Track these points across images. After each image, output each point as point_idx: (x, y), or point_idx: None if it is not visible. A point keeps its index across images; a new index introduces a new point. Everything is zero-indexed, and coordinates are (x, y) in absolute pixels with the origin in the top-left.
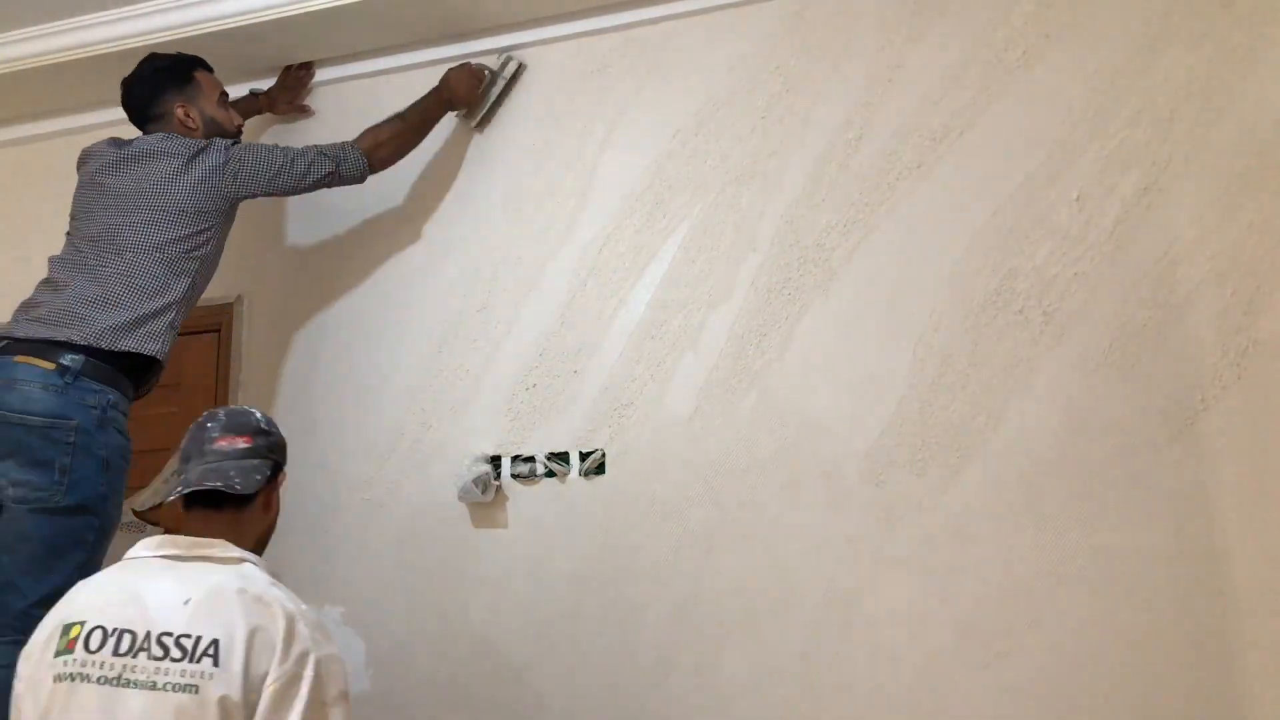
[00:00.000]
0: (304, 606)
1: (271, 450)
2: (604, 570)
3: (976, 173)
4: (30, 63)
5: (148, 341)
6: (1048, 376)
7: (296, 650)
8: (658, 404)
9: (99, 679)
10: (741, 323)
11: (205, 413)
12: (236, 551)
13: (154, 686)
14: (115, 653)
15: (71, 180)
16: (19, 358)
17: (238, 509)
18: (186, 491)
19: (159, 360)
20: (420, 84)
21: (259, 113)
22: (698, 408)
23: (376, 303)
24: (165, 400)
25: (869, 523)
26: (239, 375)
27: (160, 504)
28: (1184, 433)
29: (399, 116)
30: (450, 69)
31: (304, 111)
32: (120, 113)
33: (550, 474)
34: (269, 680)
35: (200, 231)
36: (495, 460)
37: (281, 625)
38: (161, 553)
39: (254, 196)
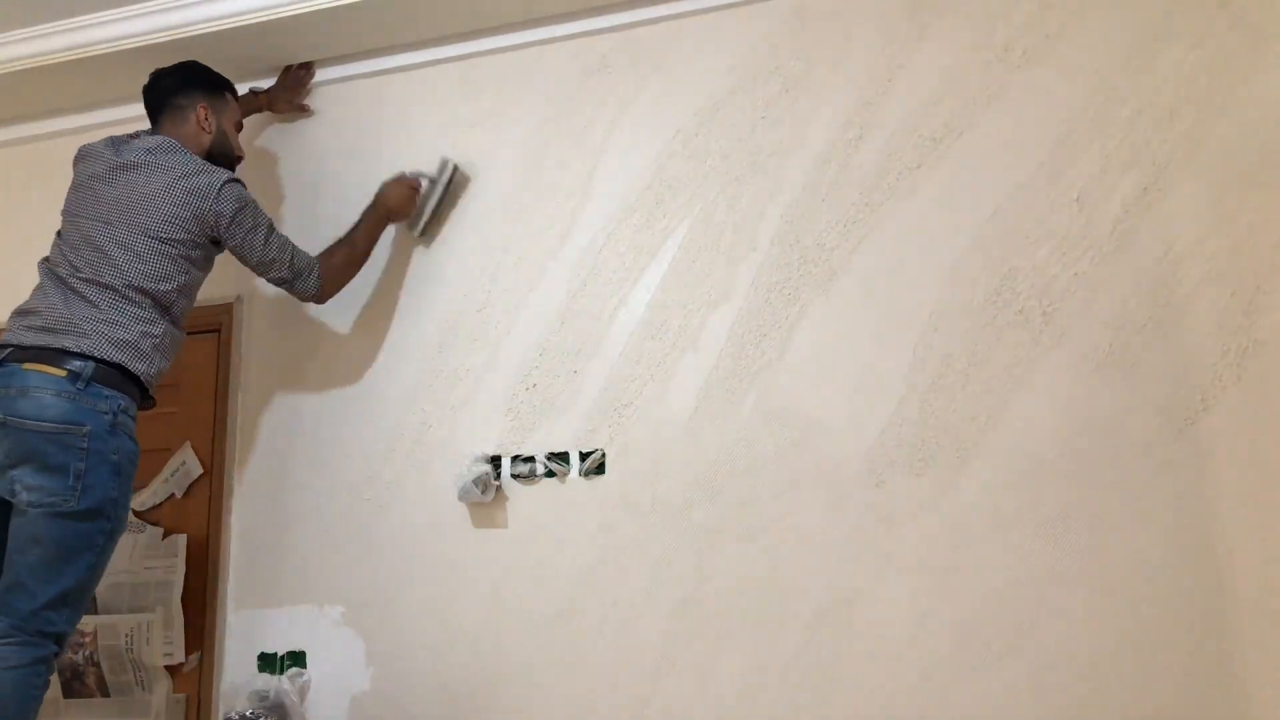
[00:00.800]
0: None
1: None
2: (604, 570)
3: (976, 173)
4: (30, 63)
5: (136, 361)
6: (1048, 376)
7: None
8: (658, 404)
9: None
10: (741, 323)
11: None
12: None
13: None
14: None
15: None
16: (28, 365)
17: None
18: None
19: (141, 379)
20: (420, 84)
21: (259, 112)
22: (698, 408)
23: (376, 303)
24: (165, 400)
25: (869, 523)
26: (239, 375)
27: (160, 503)
28: (1184, 433)
29: (348, 242)
30: (385, 182)
31: (304, 111)
32: (119, 113)
33: (550, 474)
34: None
35: (178, 259)
36: (495, 460)
37: None
38: None
39: (222, 242)
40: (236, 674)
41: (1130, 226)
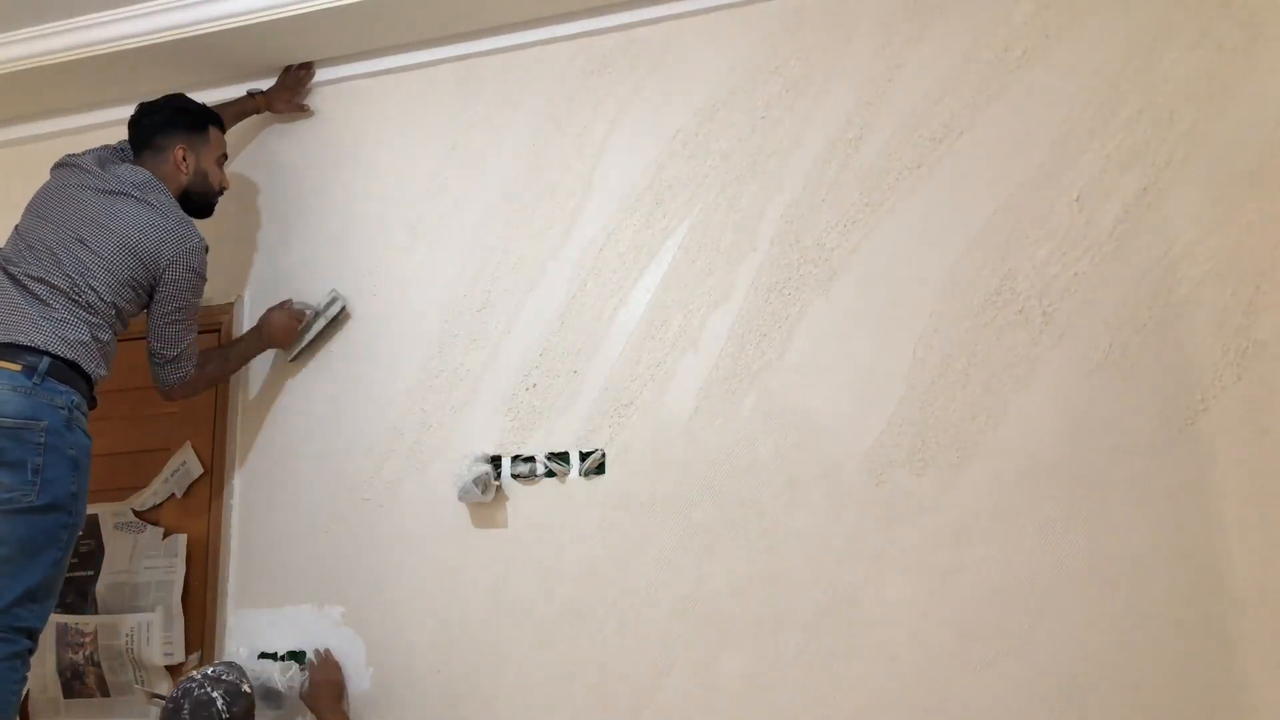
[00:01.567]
0: None
1: None
2: (604, 570)
3: (976, 173)
4: (30, 63)
5: (87, 360)
6: (1048, 376)
7: None
8: (658, 404)
9: None
10: (741, 323)
11: (171, 700)
12: None
13: None
14: None
15: None
16: None
17: None
18: None
19: (92, 377)
20: (420, 84)
21: (258, 112)
22: (698, 408)
23: (376, 303)
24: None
25: (869, 523)
26: (239, 375)
27: (160, 503)
28: (1184, 433)
29: (223, 356)
30: (270, 309)
31: (304, 111)
32: (120, 113)
33: (550, 474)
34: None
35: (123, 287)
36: (495, 460)
37: None
38: None
39: (148, 298)
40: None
41: (1130, 226)
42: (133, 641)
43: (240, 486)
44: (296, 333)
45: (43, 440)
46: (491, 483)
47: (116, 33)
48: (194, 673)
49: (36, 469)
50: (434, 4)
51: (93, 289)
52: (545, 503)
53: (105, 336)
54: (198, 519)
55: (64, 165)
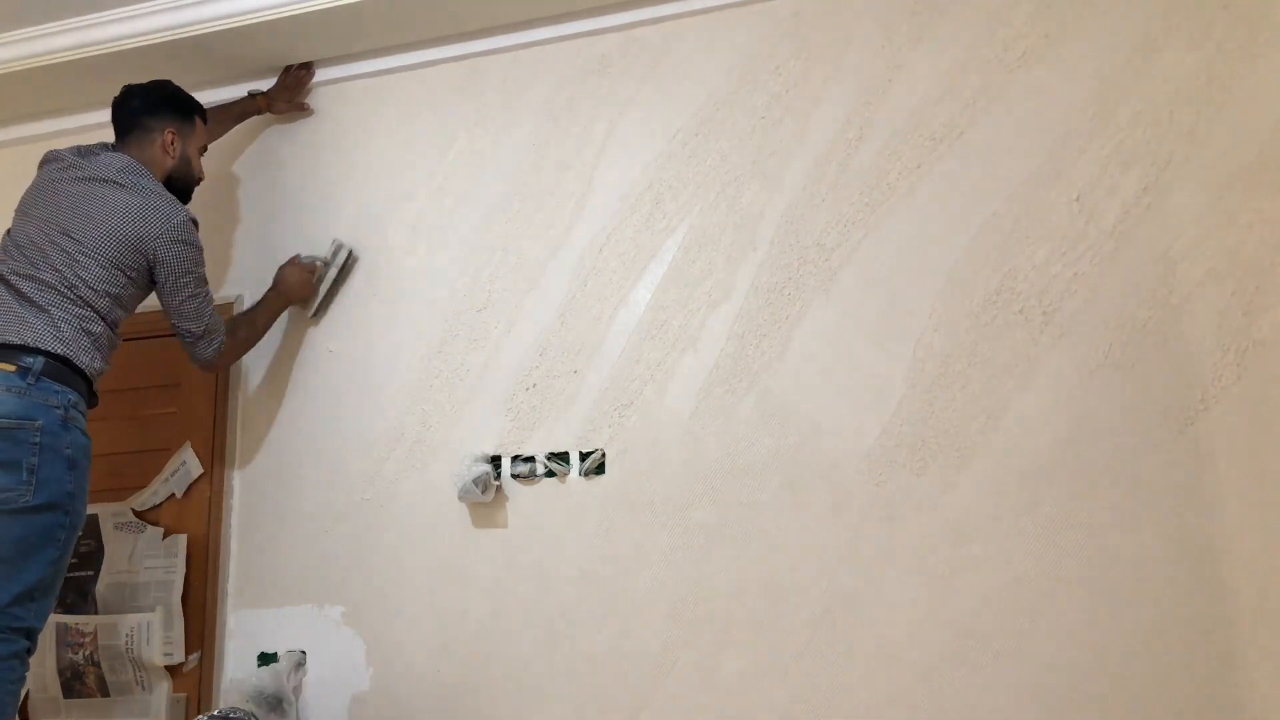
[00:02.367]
0: None
1: None
2: (604, 570)
3: (976, 173)
4: (30, 63)
5: (81, 355)
6: (1048, 376)
7: None
8: (658, 404)
9: None
10: (741, 323)
11: None
12: None
13: None
14: None
15: None
16: None
17: None
18: None
19: (86, 373)
20: (420, 84)
21: (258, 112)
22: (698, 408)
23: (376, 303)
24: (165, 400)
25: (869, 523)
26: (239, 375)
27: (160, 503)
28: (1184, 433)
29: (249, 321)
30: (283, 266)
31: (304, 111)
32: None
33: (550, 474)
34: None
35: (117, 273)
36: (495, 460)
37: None
38: None
39: (152, 277)
40: (236, 674)
41: (1130, 226)
42: (133, 641)
43: (240, 486)
44: (312, 286)
45: (38, 440)
46: (491, 483)
47: (116, 33)
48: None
49: (32, 469)
50: (434, 4)
51: (83, 280)
52: (545, 503)
53: (98, 329)
54: (198, 519)
55: (47, 161)
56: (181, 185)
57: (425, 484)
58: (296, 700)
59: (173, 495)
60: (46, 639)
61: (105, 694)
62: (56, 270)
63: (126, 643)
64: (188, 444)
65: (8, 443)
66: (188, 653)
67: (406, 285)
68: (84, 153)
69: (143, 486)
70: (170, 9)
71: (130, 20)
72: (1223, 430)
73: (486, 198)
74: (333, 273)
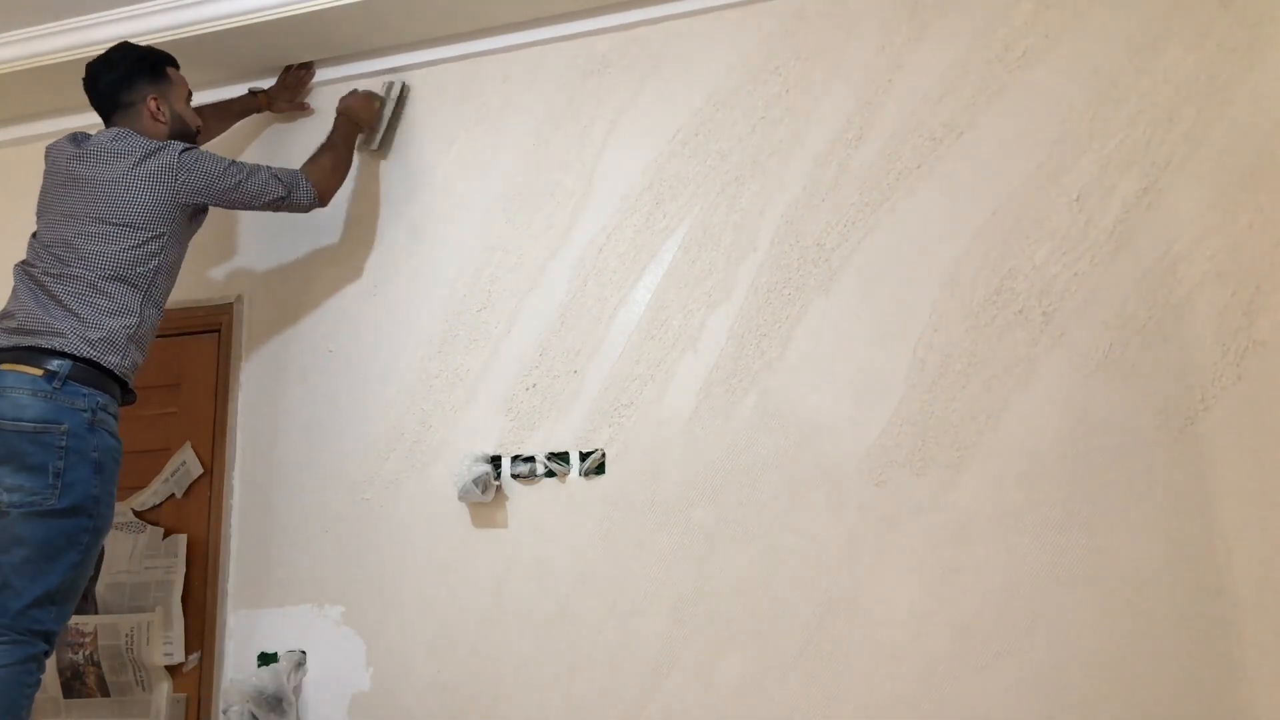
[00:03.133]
0: None
1: None
2: (604, 570)
3: (976, 173)
4: (30, 63)
5: (108, 353)
6: (1048, 376)
7: None
8: (658, 404)
9: None
10: (741, 323)
11: None
12: None
13: None
14: None
15: None
16: (5, 366)
17: None
18: None
19: (116, 373)
20: (420, 84)
21: (258, 111)
22: (698, 408)
23: (376, 303)
24: (165, 400)
25: (869, 523)
26: (239, 375)
27: (160, 503)
28: (1184, 433)
29: (328, 146)
30: (343, 97)
31: (304, 110)
32: None
33: (550, 474)
34: None
35: (150, 240)
36: (495, 460)
37: None
38: None
39: (206, 204)
40: (236, 674)
41: (1130, 226)
42: (133, 641)
43: (240, 486)
44: (374, 111)
45: (63, 444)
46: (491, 483)
47: (116, 33)
48: None
49: (57, 472)
50: (434, 4)
51: (120, 260)
52: (545, 503)
53: (132, 321)
54: (198, 519)
55: (47, 155)
56: (186, 140)
57: (425, 484)
58: (296, 700)
59: (173, 495)
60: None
61: (105, 694)
62: (89, 261)
63: (126, 643)
64: (188, 444)
65: (34, 446)
66: (188, 653)
67: (406, 285)
68: (78, 138)
69: (143, 486)
70: (170, 9)
71: (130, 20)
72: (1223, 430)
73: (486, 198)
74: (390, 107)
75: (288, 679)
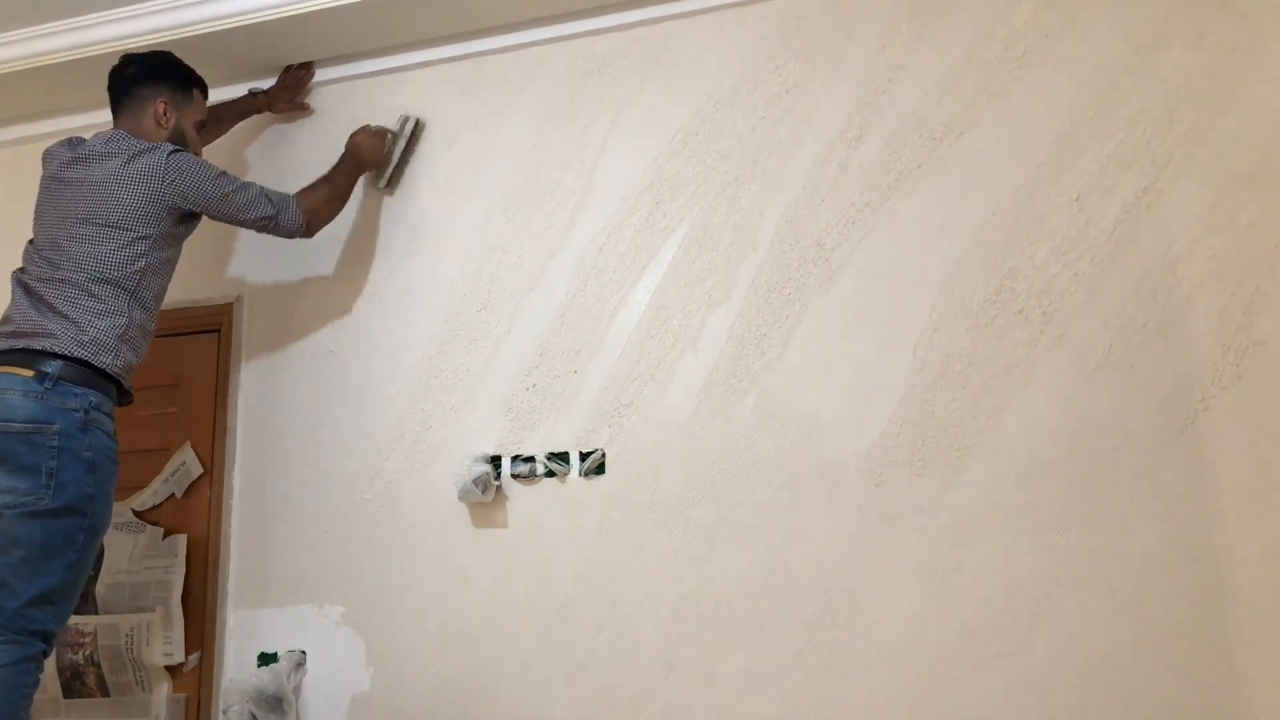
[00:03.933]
0: None
1: None
2: (604, 570)
3: (976, 173)
4: (30, 63)
5: (100, 353)
6: (1048, 376)
7: None
8: (658, 404)
9: None
10: (741, 323)
11: None
12: None
13: None
14: None
15: None
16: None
17: None
18: None
19: (109, 373)
20: (420, 84)
21: (258, 112)
22: (698, 408)
23: (376, 303)
24: (165, 400)
25: (869, 523)
26: (239, 375)
27: (160, 503)
28: (1184, 433)
29: (328, 181)
30: (354, 133)
31: (304, 111)
32: None
33: (550, 474)
34: None
35: (136, 241)
36: (495, 460)
37: None
38: None
39: (195, 210)
40: (236, 674)
41: (1130, 226)
42: (133, 641)
43: (240, 486)
44: (382, 152)
45: (56, 444)
46: (491, 483)
47: (116, 33)
48: None
49: (50, 472)
50: (434, 4)
51: (108, 263)
52: (545, 503)
53: (122, 321)
54: (198, 519)
55: (43, 160)
56: None
57: (425, 484)
58: (296, 700)
59: (173, 495)
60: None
61: (105, 694)
62: (77, 263)
63: (126, 643)
64: (188, 444)
65: (27, 447)
66: (188, 653)
67: (406, 285)
68: (73, 142)
69: (143, 486)
70: (170, 9)
71: (130, 20)
72: (1223, 430)
73: (486, 198)
74: (401, 144)
75: (288, 679)
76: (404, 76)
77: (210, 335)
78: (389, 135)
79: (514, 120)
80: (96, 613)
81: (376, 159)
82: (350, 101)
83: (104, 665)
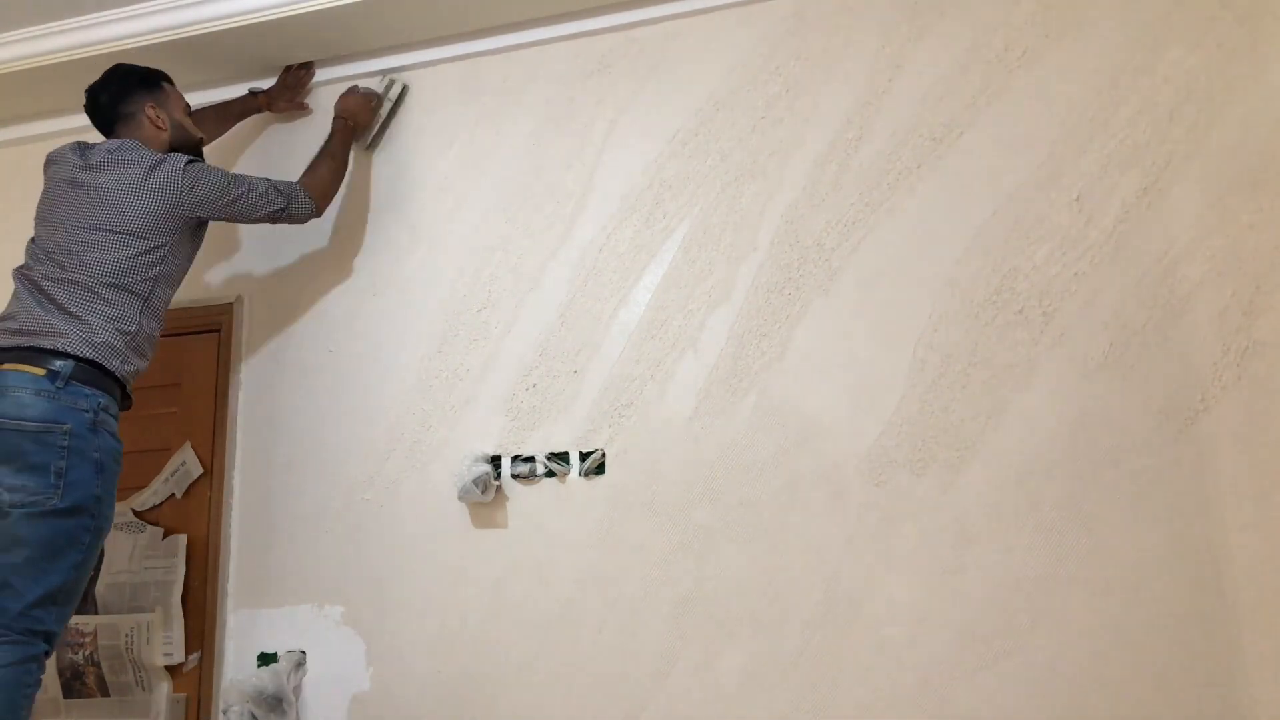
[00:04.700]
0: None
1: None
2: (604, 570)
3: (976, 173)
4: (30, 63)
5: (112, 358)
6: (1048, 376)
7: None
8: (658, 404)
9: None
10: (741, 323)
11: None
12: None
13: None
14: None
15: None
16: (7, 365)
17: None
18: None
19: (117, 375)
20: (420, 84)
21: (258, 111)
22: (698, 408)
23: (376, 303)
24: (165, 400)
25: (869, 523)
26: (239, 375)
27: (160, 503)
28: (1184, 433)
29: (327, 155)
30: (343, 95)
31: (304, 110)
32: None
33: (550, 474)
34: None
35: (152, 250)
36: (495, 460)
37: None
38: None
39: (207, 218)
40: (236, 674)
41: (1130, 226)
42: (133, 641)
43: (240, 486)
44: (371, 112)
45: (66, 444)
46: (491, 483)
47: (116, 33)
48: None
49: (59, 472)
50: (434, 4)
51: (120, 268)
52: (545, 503)
53: (133, 328)
54: (198, 519)
55: (50, 163)
56: (188, 151)
57: (425, 484)
58: (296, 700)
59: (173, 495)
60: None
61: (105, 694)
62: (88, 267)
63: (126, 643)
64: (188, 444)
65: (36, 446)
66: (188, 653)
67: (406, 285)
68: (82, 148)
69: (143, 486)
70: (170, 9)
71: (130, 20)
72: (1223, 430)
73: (486, 198)
74: (387, 105)
75: (288, 679)
76: (404, 76)
77: (210, 335)
78: (375, 97)
79: (514, 120)
80: (96, 613)
81: (368, 121)
82: None
83: (104, 665)
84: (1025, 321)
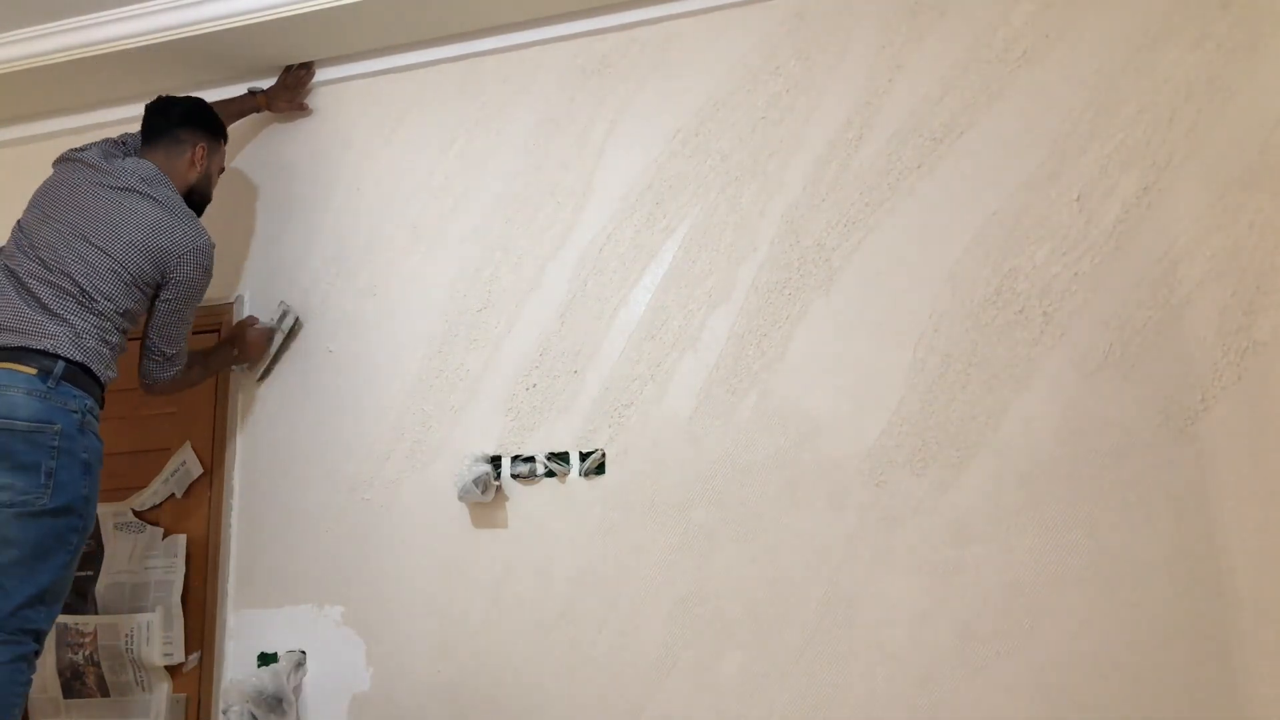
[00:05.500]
0: None
1: None
2: (604, 570)
3: (976, 173)
4: (30, 63)
5: (98, 363)
6: (1048, 376)
7: None
8: (658, 404)
9: None
10: (741, 323)
11: None
12: None
13: None
14: None
15: None
16: None
17: None
18: None
19: (101, 380)
20: (420, 84)
21: (258, 111)
22: (698, 408)
23: (376, 303)
24: (165, 400)
25: (869, 523)
26: (239, 376)
27: (160, 503)
28: (1184, 433)
29: (204, 363)
30: (246, 326)
31: (304, 111)
32: (120, 113)
33: (550, 474)
34: None
35: (133, 285)
36: (495, 460)
37: None
38: None
39: (151, 305)
40: (236, 674)
41: (1130, 226)
42: (133, 641)
43: (240, 486)
44: (265, 351)
45: (56, 444)
46: (491, 483)
47: (116, 33)
48: None
49: (49, 472)
50: (434, 4)
51: (101, 294)
52: (545, 503)
53: (114, 340)
54: (198, 519)
55: (67, 160)
56: (199, 200)
57: (425, 484)
58: (296, 700)
59: (173, 495)
60: (47, 639)
61: (105, 694)
62: (74, 280)
63: (126, 643)
64: (188, 444)
65: (27, 445)
66: (188, 653)
67: (406, 285)
68: (107, 156)
69: (143, 486)
70: (170, 9)
71: (130, 20)
72: (1223, 430)
73: (486, 198)
74: (279, 338)
75: (288, 679)
76: (404, 76)
77: (210, 335)
78: (271, 332)
79: (514, 120)
80: (96, 613)
81: (259, 356)
82: (350, 101)
83: (104, 665)
84: (1025, 321)
